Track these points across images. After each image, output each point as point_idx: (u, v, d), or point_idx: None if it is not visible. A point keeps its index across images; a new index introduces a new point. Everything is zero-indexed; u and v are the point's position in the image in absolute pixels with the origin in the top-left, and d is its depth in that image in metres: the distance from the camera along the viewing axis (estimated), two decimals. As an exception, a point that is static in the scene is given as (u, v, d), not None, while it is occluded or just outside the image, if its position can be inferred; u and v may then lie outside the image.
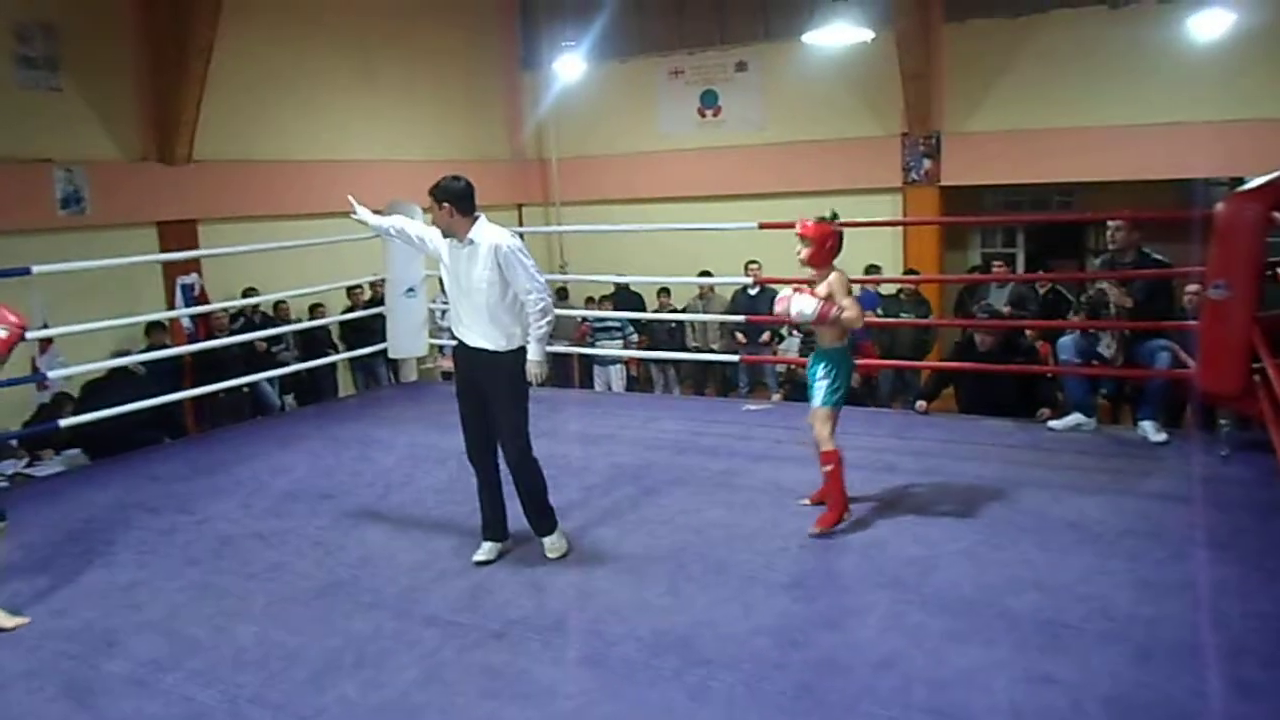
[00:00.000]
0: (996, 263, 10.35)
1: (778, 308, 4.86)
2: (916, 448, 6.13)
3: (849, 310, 4.68)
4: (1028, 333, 7.94)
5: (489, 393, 4.50)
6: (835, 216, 4.87)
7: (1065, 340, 6.55)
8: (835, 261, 4.81)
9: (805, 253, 4.78)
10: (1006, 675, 3.41)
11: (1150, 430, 6.09)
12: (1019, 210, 12.53)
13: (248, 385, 8.86)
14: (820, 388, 4.81)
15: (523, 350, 4.48)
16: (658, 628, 3.86)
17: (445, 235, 4.48)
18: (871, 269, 10.59)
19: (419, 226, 4.84)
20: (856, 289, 5.12)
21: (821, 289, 4.71)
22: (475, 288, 4.41)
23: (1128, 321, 6.14)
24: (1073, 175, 11.07)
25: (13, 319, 4.07)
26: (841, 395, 4.83)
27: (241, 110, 10.21)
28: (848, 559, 4.49)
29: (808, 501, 5.14)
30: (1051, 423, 6.46)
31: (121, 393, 6.92)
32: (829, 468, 4.81)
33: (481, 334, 4.46)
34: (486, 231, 4.40)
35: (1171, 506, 5.00)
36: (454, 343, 4.65)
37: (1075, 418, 6.39)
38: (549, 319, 4.45)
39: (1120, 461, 5.75)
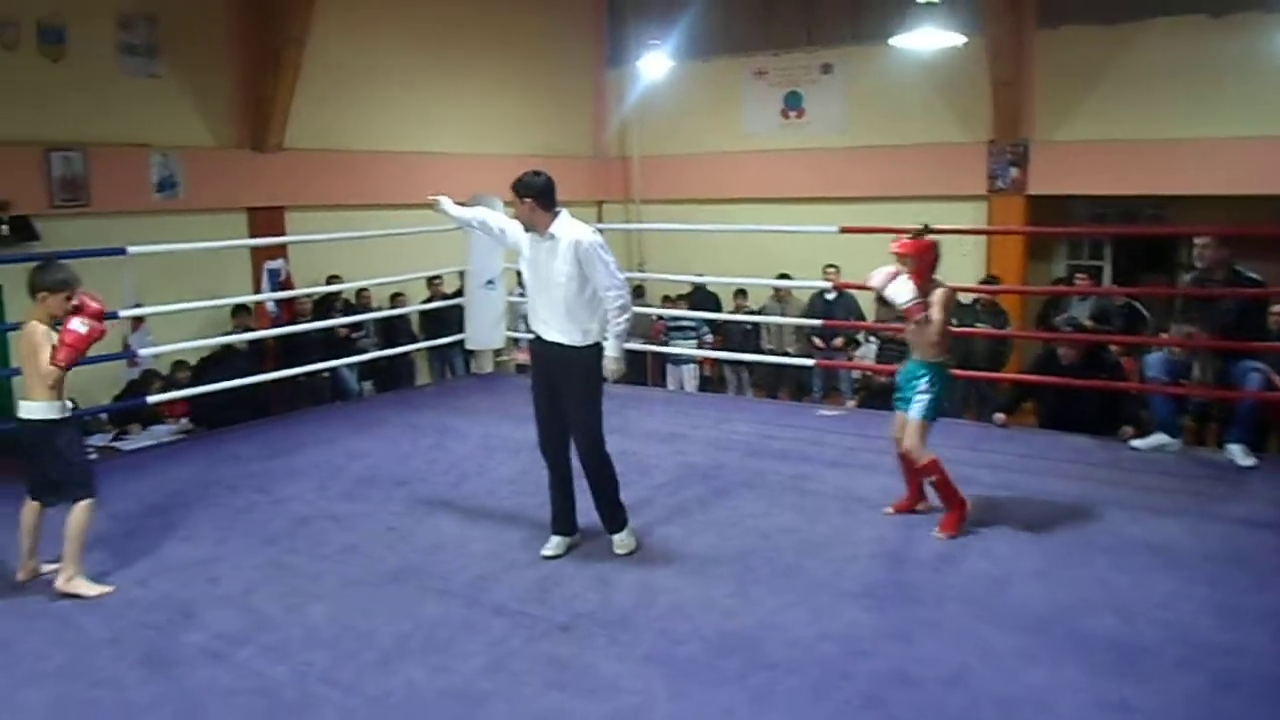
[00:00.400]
0: (1080, 275, 10.09)
1: (873, 280, 4.82)
2: (994, 461, 6.02)
3: (934, 325, 4.66)
4: (1113, 348, 7.73)
5: (563, 387, 4.52)
6: (927, 228, 4.80)
7: (1153, 357, 6.35)
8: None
9: (907, 272, 4.74)
10: (1078, 698, 3.33)
11: (1239, 454, 5.89)
12: (1106, 222, 12.21)
13: (328, 370, 9.04)
14: (921, 400, 4.79)
15: (598, 346, 4.49)
16: (723, 629, 3.85)
17: (526, 229, 4.51)
18: (990, 280, 10.35)
19: (500, 218, 4.90)
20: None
21: (934, 309, 4.69)
22: (554, 282, 4.43)
23: (1218, 341, 5.96)
24: (1166, 188, 10.73)
25: (96, 316, 4.22)
26: (940, 411, 4.83)
27: (331, 101, 10.41)
28: (919, 571, 4.44)
29: (891, 510, 5.10)
30: (1134, 442, 6.29)
31: (231, 370, 7.41)
32: (934, 478, 4.83)
33: (558, 329, 4.48)
34: (567, 227, 4.43)
35: (1257, 532, 4.85)
36: (530, 336, 4.69)
37: (1159, 438, 6.20)
38: (627, 316, 4.46)
39: (1204, 484, 5.59)
